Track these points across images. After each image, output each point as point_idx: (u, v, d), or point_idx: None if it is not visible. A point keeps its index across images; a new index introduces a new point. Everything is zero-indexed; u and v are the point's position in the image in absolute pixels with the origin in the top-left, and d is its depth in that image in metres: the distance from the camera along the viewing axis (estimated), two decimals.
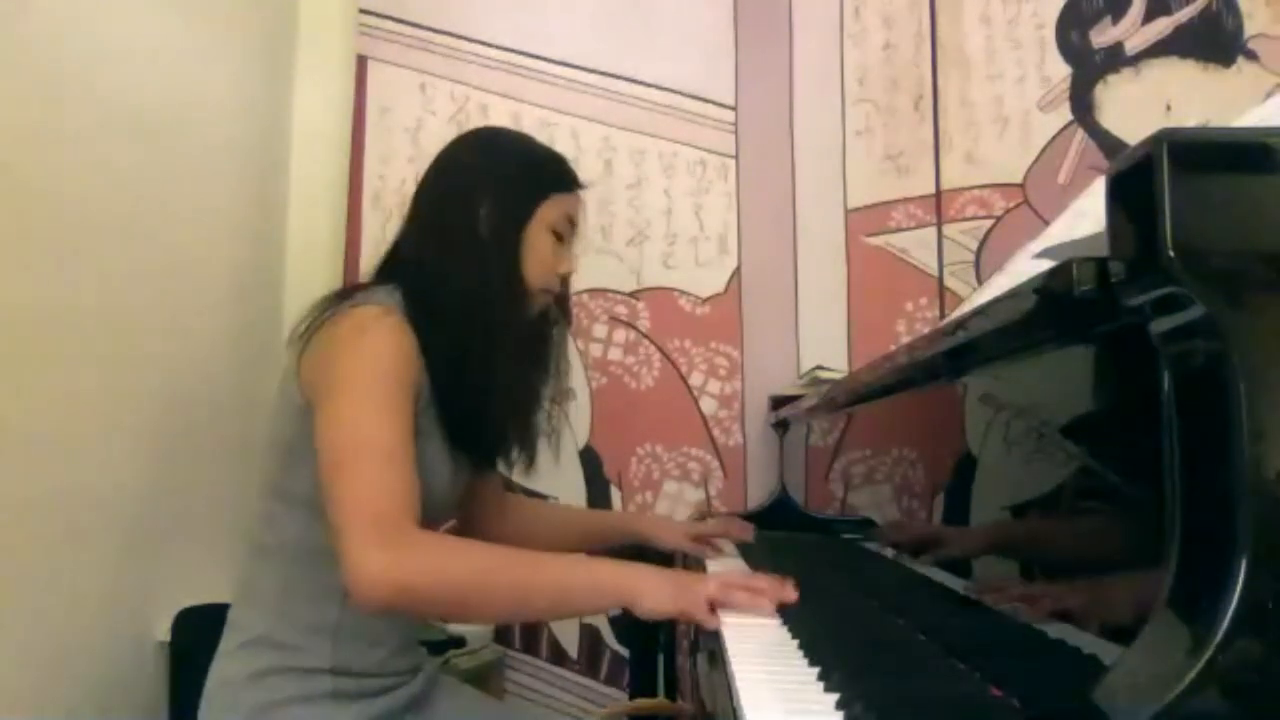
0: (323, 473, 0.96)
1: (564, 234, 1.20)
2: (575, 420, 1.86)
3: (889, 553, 1.07)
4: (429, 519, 1.06)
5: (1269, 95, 1.63)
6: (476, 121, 1.88)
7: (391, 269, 1.16)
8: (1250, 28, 1.73)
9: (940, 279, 1.80)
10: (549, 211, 1.17)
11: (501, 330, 1.11)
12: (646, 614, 0.92)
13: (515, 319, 1.15)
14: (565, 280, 1.25)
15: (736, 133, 1.89)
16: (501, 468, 1.29)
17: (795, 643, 0.77)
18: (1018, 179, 1.79)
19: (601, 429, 1.85)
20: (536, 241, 1.16)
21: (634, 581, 0.93)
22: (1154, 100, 1.76)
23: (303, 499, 1.06)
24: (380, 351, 1.01)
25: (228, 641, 1.10)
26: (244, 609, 1.11)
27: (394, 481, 0.95)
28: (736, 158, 1.89)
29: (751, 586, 0.91)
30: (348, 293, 1.12)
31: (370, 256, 1.89)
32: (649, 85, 1.90)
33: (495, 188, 1.15)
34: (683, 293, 1.87)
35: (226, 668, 1.08)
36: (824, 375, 1.63)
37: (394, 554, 0.90)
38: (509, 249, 1.14)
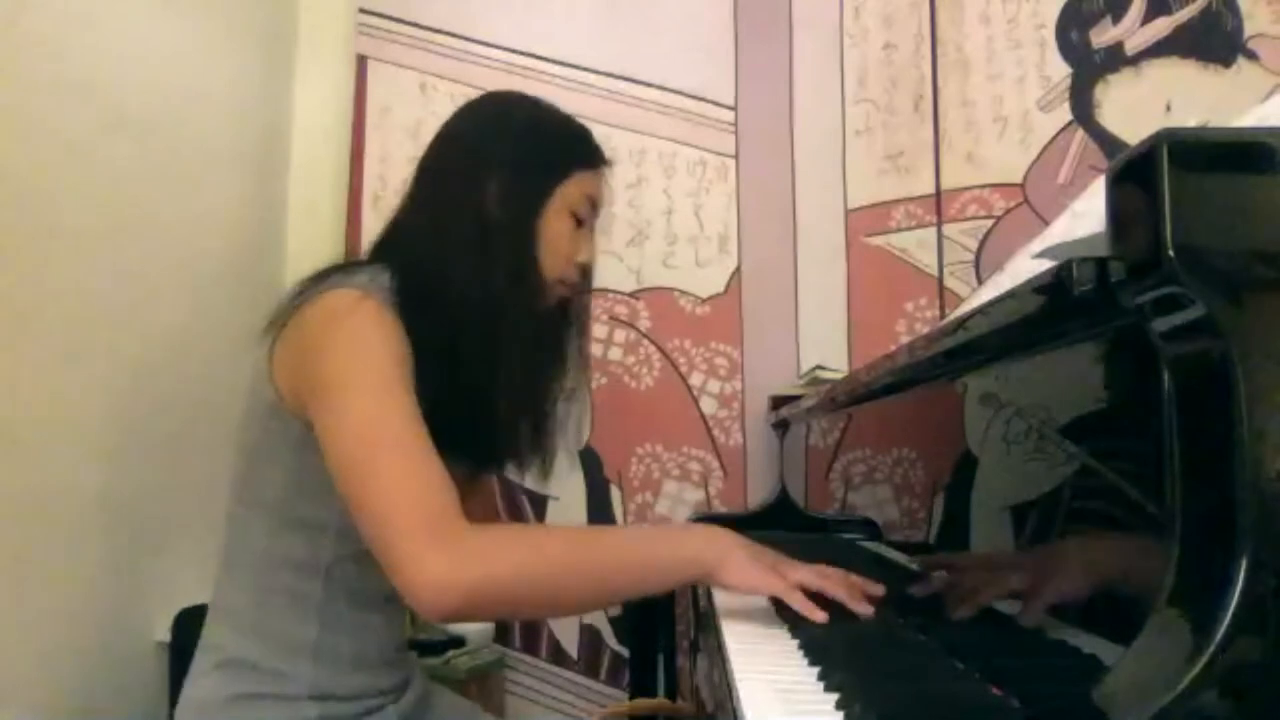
0: (344, 482, 0.86)
1: (584, 218, 1.06)
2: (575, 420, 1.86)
3: (889, 552, 1.07)
4: None
5: (1269, 95, 1.63)
6: None
7: (386, 249, 1.04)
8: (1250, 28, 1.73)
9: (940, 279, 1.80)
10: (569, 191, 1.03)
11: (508, 326, 0.98)
12: (727, 588, 0.85)
13: (525, 314, 1.00)
14: (586, 271, 1.10)
15: (736, 133, 1.89)
16: (513, 471, 1.17)
17: (795, 643, 0.77)
18: (1018, 179, 1.79)
19: (601, 429, 1.85)
20: (553, 225, 1.02)
21: (719, 553, 0.85)
22: (1154, 100, 1.76)
23: (271, 504, 0.98)
24: (367, 337, 0.90)
25: (201, 661, 1.00)
26: (217, 626, 1.01)
27: (432, 474, 0.84)
28: (736, 158, 1.89)
29: (850, 582, 0.86)
30: (325, 274, 0.99)
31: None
32: (649, 85, 1.90)
33: (508, 162, 1.01)
34: (683, 293, 1.87)
35: (201, 690, 0.99)
36: (824, 375, 1.63)
37: (457, 553, 0.79)
38: (521, 234, 1.00)
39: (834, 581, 0.85)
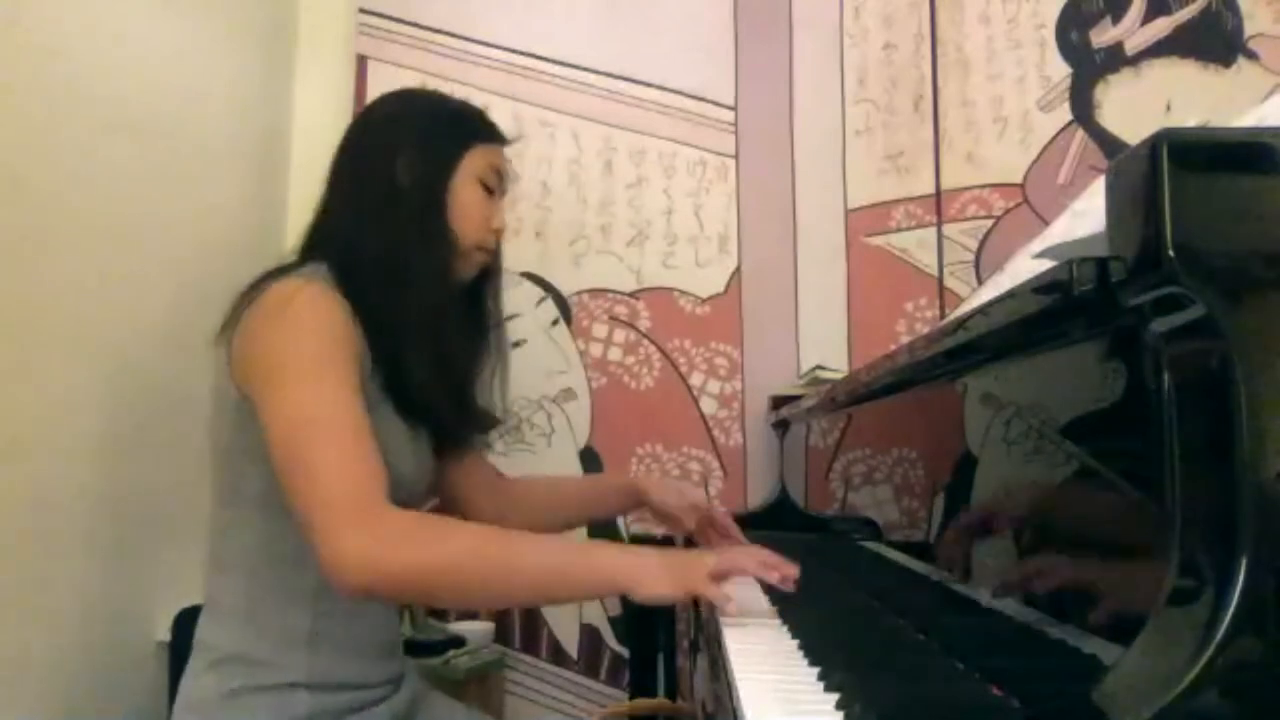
0: (278, 465, 0.90)
1: (493, 186, 1.14)
2: (575, 420, 1.86)
3: (889, 552, 1.07)
4: (399, 502, 1.01)
5: (1269, 95, 1.63)
6: None
7: (312, 245, 1.10)
8: (1250, 28, 1.73)
9: (940, 279, 1.80)
10: (474, 162, 1.11)
11: (429, 290, 1.05)
12: (647, 600, 0.88)
13: (444, 277, 1.09)
14: (497, 237, 1.18)
15: (736, 133, 1.89)
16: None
17: (795, 643, 0.77)
18: (1018, 179, 1.79)
19: (601, 429, 1.85)
20: (464, 194, 1.10)
21: (631, 569, 0.88)
22: (1154, 100, 1.76)
23: (253, 500, 1.00)
24: (306, 322, 0.95)
25: (196, 661, 1.03)
26: (211, 626, 1.04)
27: (357, 457, 0.89)
28: (736, 158, 1.89)
29: (758, 556, 0.89)
30: (267, 276, 1.04)
31: None
32: (649, 85, 1.90)
33: (415, 140, 1.09)
34: (683, 293, 1.87)
35: (196, 689, 1.01)
36: (824, 375, 1.63)
37: (371, 534, 0.84)
38: (434, 202, 1.08)
39: (745, 558, 0.89)
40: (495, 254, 1.19)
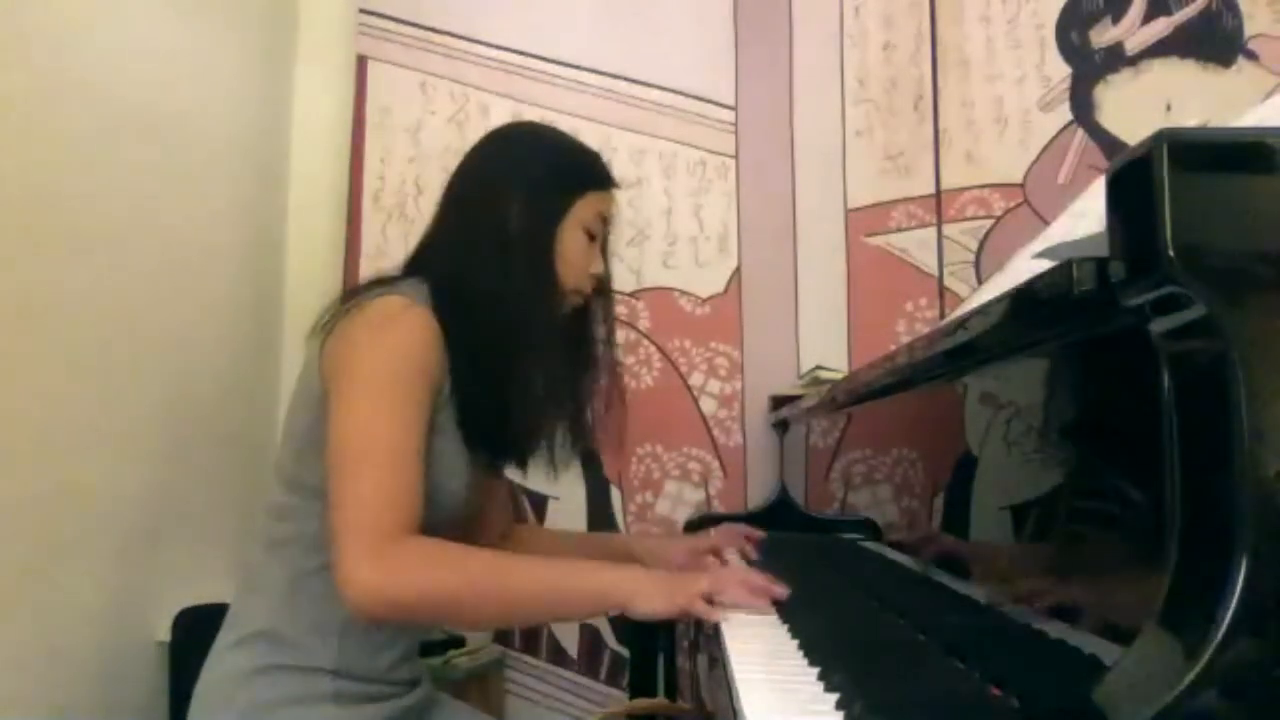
0: (327, 473, 0.96)
1: (596, 233, 1.18)
2: None
3: (889, 552, 1.07)
4: (448, 519, 1.05)
5: (1269, 95, 1.63)
6: (477, 121, 1.88)
7: (419, 263, 1.15)
8: (1250, 28, 1.73)
9: (940, 279, 1.80)
10: (583, 210, 1.15)
11: (528, 330, 1.09)
12: (642, 617, 0.94)
13: (543, 318, 1.12)
14: (602, 281, 1.22)
15: (736, 133, 1.89)
16: (517, 468, 1.26)
17: (795, 643, 0.77)
18: (1018, 179, 1.79)
19: (601, 429, 1.85)
20: (568, 240, 1.14)
21: (627, 585, 0.95)
22: (1154, 100, 1.76)
23: (316, 489, 1.03)
24: (400, 345, 1.00)
25: (226, 636, 1.07)
26: (248, 603, 1.08)
27: (395, 488, 0.94)
28: (736, 158, 1.89)
29: (748, 582, 0.94)
30: (373, 284, 1.10)
31: (371, 256, 1.90)
32: (649, 85, 1.90)
33: (528, 185, 1.13)
34: (683, 293, 1.87)
35: (223, 662, 1.05)
36: (824, 375, 1.63)
37: (384, 567, 0.90)
38: (540, 248, 1.12)
39: (735, 587, 0.93)
40: (605, 284, 1.23)
